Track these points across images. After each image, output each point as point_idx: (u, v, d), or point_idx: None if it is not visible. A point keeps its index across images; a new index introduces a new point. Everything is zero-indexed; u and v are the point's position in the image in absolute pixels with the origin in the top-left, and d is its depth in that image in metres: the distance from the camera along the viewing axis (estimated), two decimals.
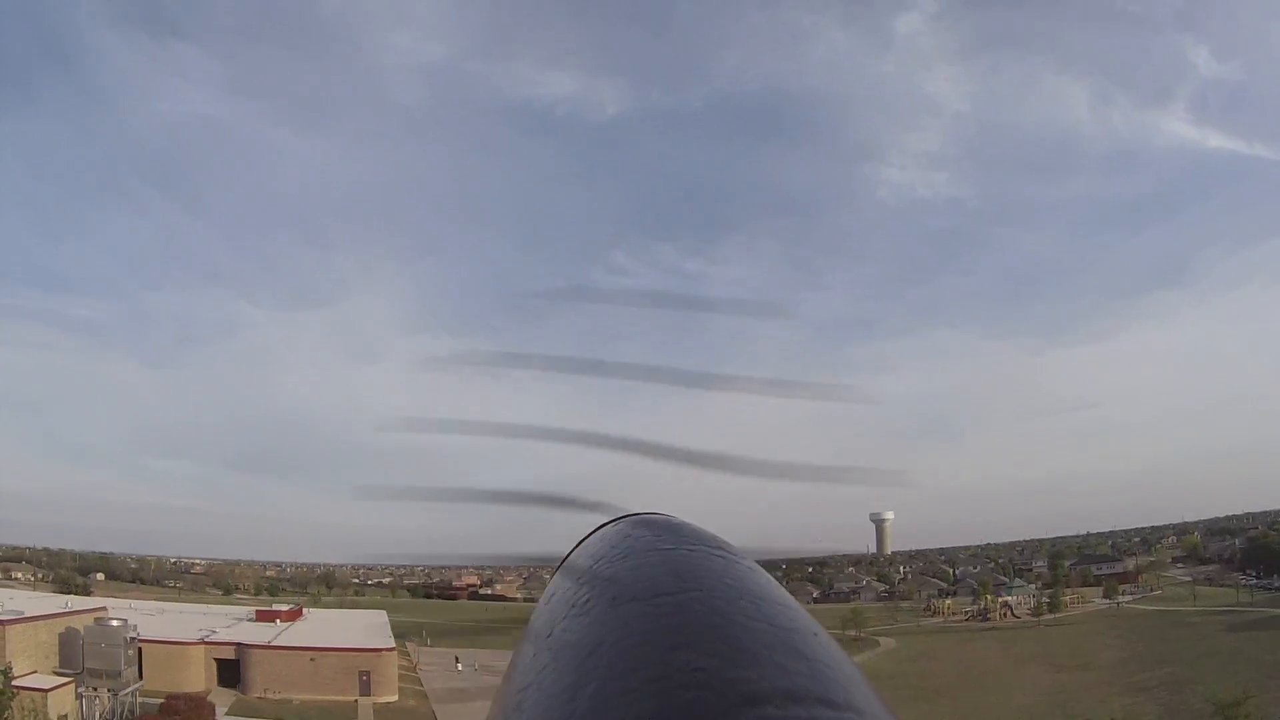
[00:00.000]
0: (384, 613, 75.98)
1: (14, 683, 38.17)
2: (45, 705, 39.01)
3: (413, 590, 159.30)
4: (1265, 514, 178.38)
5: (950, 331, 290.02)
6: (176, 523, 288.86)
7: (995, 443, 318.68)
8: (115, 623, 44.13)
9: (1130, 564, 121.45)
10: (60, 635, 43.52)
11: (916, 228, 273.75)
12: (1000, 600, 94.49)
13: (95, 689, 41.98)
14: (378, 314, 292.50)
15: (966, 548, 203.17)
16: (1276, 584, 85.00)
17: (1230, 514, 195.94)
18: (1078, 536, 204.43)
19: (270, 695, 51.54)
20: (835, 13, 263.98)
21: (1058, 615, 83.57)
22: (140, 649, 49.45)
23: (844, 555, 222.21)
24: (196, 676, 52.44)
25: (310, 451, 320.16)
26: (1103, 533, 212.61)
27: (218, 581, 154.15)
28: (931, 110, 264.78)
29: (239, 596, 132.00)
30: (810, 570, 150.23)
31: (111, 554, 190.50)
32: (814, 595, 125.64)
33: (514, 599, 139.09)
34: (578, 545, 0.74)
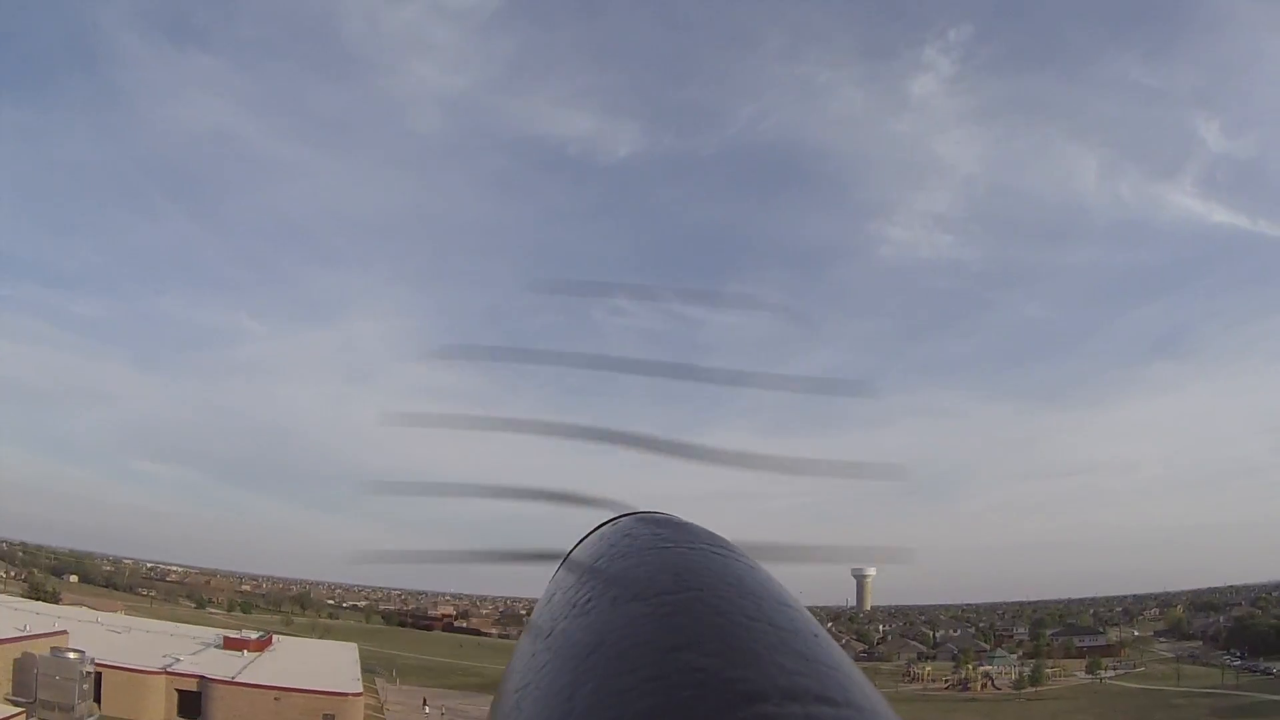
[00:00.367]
0: (354, 647, 74.15)
1: None
2: None
3: (387, 617, 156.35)
4: (1249, 588, 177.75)
5: (946, 392, 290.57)
6: (157, 527, 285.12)
7: (985, 503, 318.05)
8: (72, 655, 42.71)
9: (1113, 635, 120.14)
10: (15, 661, 42.10)
11: (918, 287, 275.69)
12: (981, 670, 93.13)
13: None
14: (377, 336, 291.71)
15: (948, 607, 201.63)
16: (1261, 667, 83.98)
17: (1214, 586, 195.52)
18: (1059, 602, 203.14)
19: None
20: (853, 70, 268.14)
21: (1039, 688, 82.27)
22: (100, 674, 48.06)
23: (824, 608, 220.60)
24: (156, 707, 50.79)
25: (298, 466, 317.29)
26: (1085, 599, 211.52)
27: (191, 593, 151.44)
28: (941, 171, 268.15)
29: (211, 611, 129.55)
30: None
31: (90, 553, 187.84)
32: None
33: (489, 634, 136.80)
34: (579, 543, 0.74)
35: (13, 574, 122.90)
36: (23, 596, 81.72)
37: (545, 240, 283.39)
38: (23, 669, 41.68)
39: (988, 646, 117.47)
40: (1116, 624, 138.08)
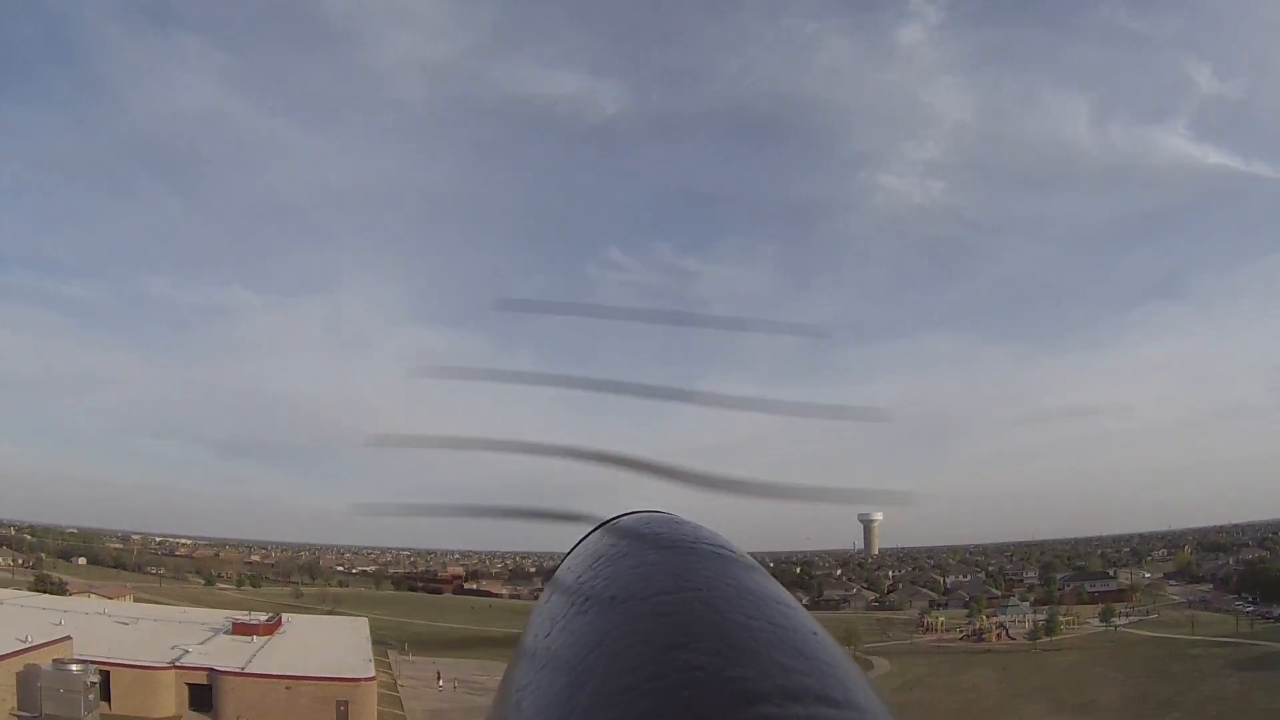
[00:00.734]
0: (365, 623, 73.56)
1: None
2: None
3: (397, 582, 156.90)
4: (1254, 526, 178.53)
5: (942, 336, 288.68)
6: (164, 502, 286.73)
7: (986, 446, 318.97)
8: (75, 667, 41.70)
9: (1123, 579, 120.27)
10: (19, 674, 41.16)
11: (912, 234, 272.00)
12: (995, 620, 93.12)
13: None
14: (372, 303, 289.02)
15: (955, 549, 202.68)
16: (1275, 614, 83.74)
17: (1219, 524, 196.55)
18: (1066, 542, 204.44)
19: None
20: (838, 21, 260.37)
21: (1054, 638, 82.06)
22: (109, 673, 47.26)
23: (831, 553, 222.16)
24: (167, 702, 50.10)
25: (298, 436, 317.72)
26: (1091, 539, 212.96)
27: (200, 569, 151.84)
28: (931, 120, 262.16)
29: (221, 587, 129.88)
30: (799, 571, 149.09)
31: (99, 530, 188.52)
32: (804, 603, 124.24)
33: (499, 594, 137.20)
34: (579, 542, 0.74)
35: (20, 562, 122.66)
36: (29, 590, 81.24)
37: (536, 199, 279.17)
38: (27, 681, 40.78)
39: (999, 593, 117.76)
40: (1125, 565, 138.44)
